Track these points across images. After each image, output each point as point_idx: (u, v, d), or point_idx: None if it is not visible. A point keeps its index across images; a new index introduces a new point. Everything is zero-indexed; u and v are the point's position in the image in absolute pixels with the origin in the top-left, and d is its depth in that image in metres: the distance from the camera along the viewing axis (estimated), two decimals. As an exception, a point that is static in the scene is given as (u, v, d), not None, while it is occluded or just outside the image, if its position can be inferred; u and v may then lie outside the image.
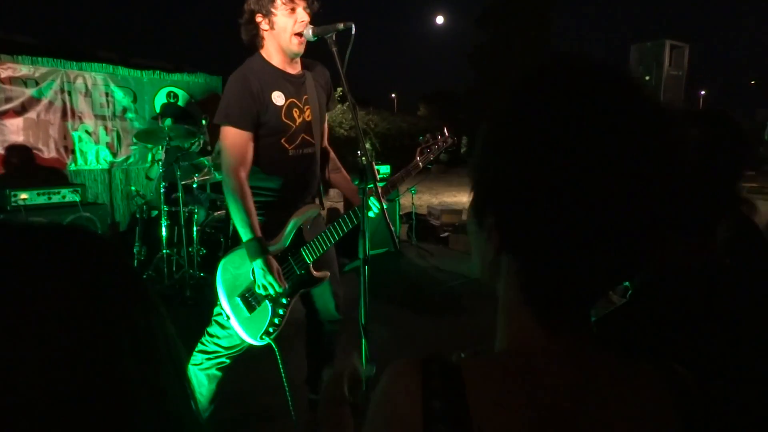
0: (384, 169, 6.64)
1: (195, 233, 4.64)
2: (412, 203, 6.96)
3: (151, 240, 5.03)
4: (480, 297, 4.86)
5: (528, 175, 0.55)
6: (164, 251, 4.65)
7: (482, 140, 0.63)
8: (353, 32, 1.96)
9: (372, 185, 1.96)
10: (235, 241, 2.27)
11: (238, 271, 2.17)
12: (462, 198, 14.09)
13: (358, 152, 1.89)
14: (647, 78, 5.40)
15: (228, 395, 2.46)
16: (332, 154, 2.62)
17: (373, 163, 1.96)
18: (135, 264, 4.95)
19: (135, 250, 4.99)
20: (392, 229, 1.94)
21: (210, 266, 4.79)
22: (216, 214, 4.94)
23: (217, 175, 4.96)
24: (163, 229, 4.66)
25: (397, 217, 6.83)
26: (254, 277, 2.16)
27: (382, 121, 19.94)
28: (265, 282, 2.12)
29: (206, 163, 4.86)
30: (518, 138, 0.57)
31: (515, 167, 0.56)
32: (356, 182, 1.96)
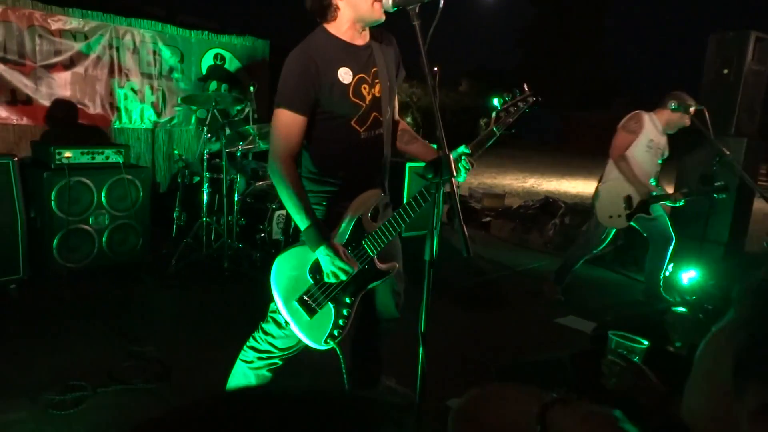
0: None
1: (236, 203, 4.52)
2: (456, 185, 6.70)
3: (191, 206, 4.95)
4: (524, 292, 4.65)
5: None
6: (204, 219, 4.55)
7: None
8: (441, 5, 1.73)
9: (447, 177, 1.73)
10: (295, 238, 2.08)
11: (294, 273, 1.99)
12: (502, 180, 13.74)
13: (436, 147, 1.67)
14: (725, 72, 5.00)
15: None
16: (404, 125, 2.37)
17: (450, 155, 1.74)
18: (174, 230, 4.88)
19: (175, 215, 4.91)
20: (466, 232, 1.74)
21: (249, 238, 4.68)
22: (258, 184, 4.80)
23: (261, 144, 4.82)
24: (205, 196, 4.56)
25: (441, 195, 6.61)
26: (319, 268, 1.98)
27: (425, 96, 19.57)
28: (334, 268, 1.93)
29: (251, 131, 4.71)
30: None
31: None
32: (429, 176, 1.75)
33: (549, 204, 7.26)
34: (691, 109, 3.82)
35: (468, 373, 3.08)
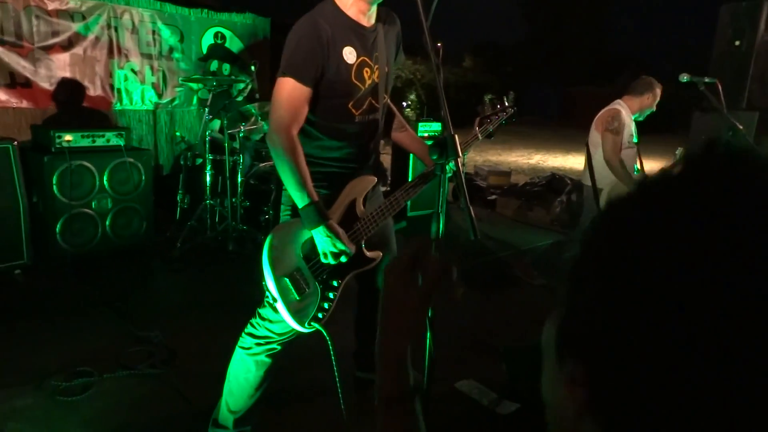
0: (435, 126, 6.31)
1: (239, 184, 4.47)
2: (463, 162, 6.63)
3: (194, 188, 4.91)
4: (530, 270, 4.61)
5: (672, 328, 0.37)
6: (207, 201, 4.52)
7: (589, 254, 0.46)
8: (444, -21, 1.65)
9: (454, 157, 1.69)
10: (295, 215, 2.03)
11: (287, 249, 1.93)
12: (507, 158, 13.63)
13: (429, 125, 1.62)
14: (737, 43, 4.88)
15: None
16: (395, 111, 2.35)
17: (456, 136, 1.68)
18: (178, 212, 4.85)
19: (178, 198, 4.88)
20: (473, 215, 1.69)
21: (253, 220, 4.65)
22: (261, 165, 4.75)
23: (264, 125, 4.75)
24: (208, 178, 4.51)
25: (446, 176, 6.55)
26: (312, 248, 1.94)
27: (429, 72, 19.34)
28: (334, 249, 1.88)
29: (253, 111, 4.64)
30: (656, 273, 0.38)
31: (647, 311, 0.38)
32: (434, 157, 1.69)
33: (555, 181, 7.19)
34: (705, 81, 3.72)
35: (474, 354, 3.06)
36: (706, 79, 3.70)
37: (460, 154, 1.68)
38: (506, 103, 2.30)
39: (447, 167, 1.75)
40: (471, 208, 1.73)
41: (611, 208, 0.45)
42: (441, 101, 1.73)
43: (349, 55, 1.94)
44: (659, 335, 0.37)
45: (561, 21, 35.14)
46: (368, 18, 1.99)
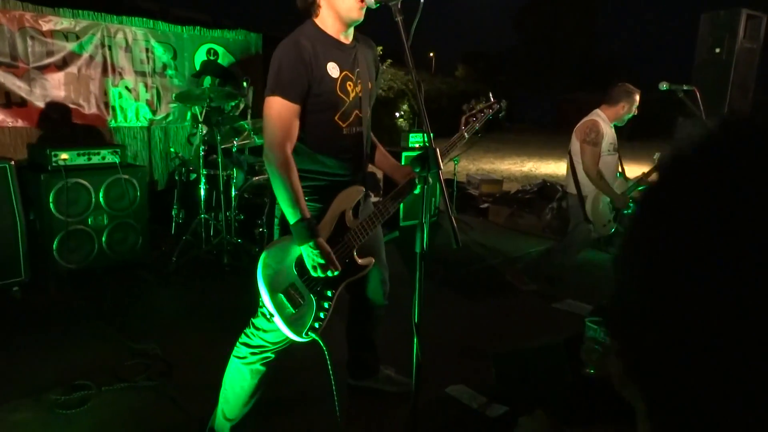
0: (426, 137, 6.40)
1: (233, 198, 4.55)
2: (454, 171, 6.73)
3: (189, 203, 4.98)
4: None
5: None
6: (202, 215, 4.59)
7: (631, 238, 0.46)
8: (422, 0, 1.75)
9: (435, 170, 1.77)
10: (285, 230, 2.10)
11: (280, 266, 2.00)
12: (500, 165, 13.74)
13: (422, 136, 1.71)
14: (717, 51, 5.00)
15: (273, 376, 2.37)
16: (377, 143, 2.45)
17: (437, 149, 1.77)
18: (173, 227, 4.92)
19: (173, 213, 4.94)
20: (455, 224, 1.77)
21: (247, 233, 4.72)
22: (255, 179, 4.83)
23: (257, 139, 4.84)
24: (202, 193, 4.59)
25: (432, 189, 6.63)
26: (304, 262, 2.02)
27: (422, 83, 19.51)
28: (320, 266, 1.96)
29: (246, 126, 4.72)
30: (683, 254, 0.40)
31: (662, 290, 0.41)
32: (417, 170, 1.78)
33: (546, 188, 7.28)
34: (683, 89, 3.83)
35: (466, 360, 3.13)
36: (685, 87, 3.81)
37: (441, 167, 1.77)
38: (491, 99, 2.35)
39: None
40: (454, 218, 1.82)
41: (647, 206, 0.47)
42: (422, 116, 1.84)
43: (333, 69, 2.03)
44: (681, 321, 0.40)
45: (551, 30, 35.47)
46: (346, 36, 2.10)
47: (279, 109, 1.97)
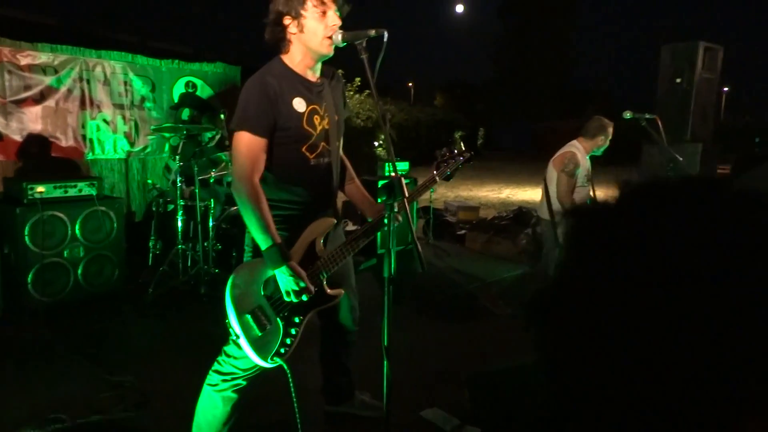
0: (402, 166, 6.53)
1: (211, 228, 4.58)
2: (430, 199, 6.84)
3: (166, 234, 4.99)
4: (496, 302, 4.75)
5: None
6: (180, 246, 4.61)
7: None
8: (386, 39, 1.86)
9: (400, 198, 1.86)
10: (256, 255, 2.16)
11: (249, 287, 2.06)
12: (478, 192, 13.93)
13: (388, 164, 1.80)
14: (678, 81, 5.23)
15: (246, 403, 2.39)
16: (348, 164, 2.54)
17: (402, 178, 1.86)
18: (150, 258, 4.92)
19: (150, 244, 4.95)
20: (419, 249, 1.85)
21: (225, 263, 4.74)
22: (232, 209, 4.87)
23: (234, 169, 4.89)
24: (179, 224, 4.61)
25: (414, 211, 6.74)
26: (273, 286, 2.07)
27: (400, 112, 19.79)
28: (296, 287, 2.02)
29: (223, 158, 4.79)
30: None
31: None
32: (382, 199, 1.86)
33: (522, 214, 7.42)
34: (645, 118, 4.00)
35: (441, 384, 3.17)
36: (647, 116, 3.98)
37: (406, 195, 1.86)
38: (463, 148, 2.51)
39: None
40: (419, 244, 1.90)
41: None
42: (388, 148, 1.94)
43: (299, 104, 2.13)
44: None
45: (526, 61, 36.36)
46: (314, 72, 2.20)
47: (247, 143, 2.06)
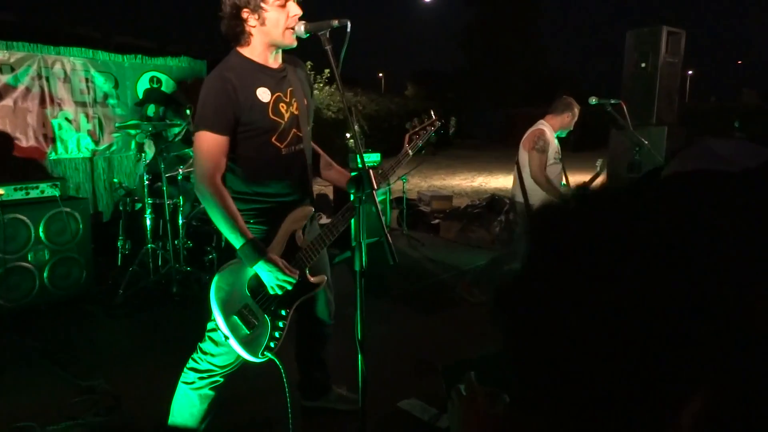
0: (374, 157, 6.51)
1: (181, 226, 4.50)
2: (403, 190, 6.84)
3: (135, 233, 4.89)
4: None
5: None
6: (149, 245, 4.52)
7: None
8: (348, 30, 1.83)
9: (369, 191, 1.84)
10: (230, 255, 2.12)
11: (233, 287, 2.03)
12: (451, 181, 13.99)
13: (357, 156, 1.78)
14: (643, 65, 5.30)
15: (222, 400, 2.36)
16: (321, 152, 2.50)
17: (371, 170, 1.84)
18: (119, 259, 4.82)
19: (119, 244, 4.85)
20: (390, 242, 1.84)
21: (196, 260, 4.67)
22: (202, 206, 4.79)
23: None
24: (148, 222, 4.53)
25: (388, 202, 6.72)
26: (257, 283, 2.04)
27: (370, 103, 19.74)
28: (278, 281, 2.00)
29: (191, 154, 4.70)
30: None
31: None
32: (352, 191, 1.84)
33: (495, 201, 7.47)
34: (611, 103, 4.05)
35: (417, 374, 3.18)
36: (612, 101, 4.03)
37: (375, 188, 1.84)
38: (433, 117, 2.46)
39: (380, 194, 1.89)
40: (389, 236, 1.88)
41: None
42: (356, 141, 1.92)
43: (263, 94, 2.08)
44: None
45: (495, 48, 36.53)
46: (274, 59, 2.15)
47: (207, 142, 2.01)
